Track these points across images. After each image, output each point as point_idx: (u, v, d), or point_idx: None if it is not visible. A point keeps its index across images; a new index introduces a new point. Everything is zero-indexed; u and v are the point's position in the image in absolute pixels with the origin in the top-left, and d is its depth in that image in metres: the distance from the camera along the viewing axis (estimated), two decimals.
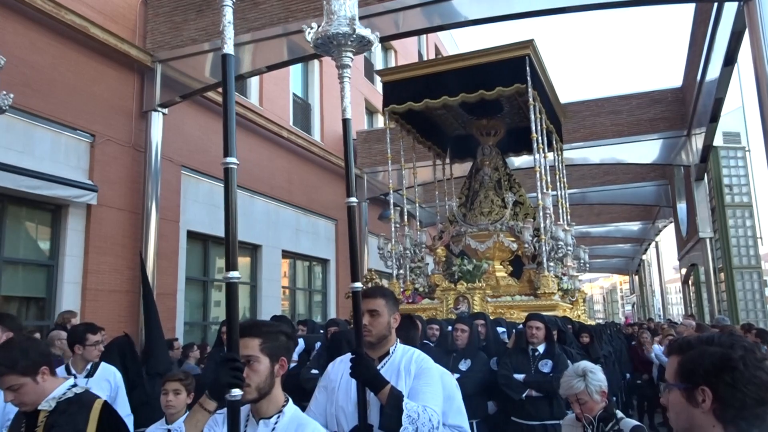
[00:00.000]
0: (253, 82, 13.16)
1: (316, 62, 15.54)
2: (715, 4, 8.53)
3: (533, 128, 8.68)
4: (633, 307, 43.61)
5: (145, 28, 9.93)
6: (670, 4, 7.93)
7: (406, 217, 10.27)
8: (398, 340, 2.65)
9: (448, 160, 12.27)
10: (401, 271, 9.78)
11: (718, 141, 12.77)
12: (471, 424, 4.71)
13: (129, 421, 4.13)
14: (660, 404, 8.86)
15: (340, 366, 2.55)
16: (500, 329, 6.61)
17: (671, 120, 13.94)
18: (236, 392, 1.80)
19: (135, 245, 9.34)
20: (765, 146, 6.70)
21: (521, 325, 5.65)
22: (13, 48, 7.79)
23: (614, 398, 7.58)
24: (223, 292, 12.26)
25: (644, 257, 31.71)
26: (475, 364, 5.25)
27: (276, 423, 1.99)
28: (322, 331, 6.33)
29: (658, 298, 32.11)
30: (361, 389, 2.35)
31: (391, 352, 2.57)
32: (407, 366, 2.50)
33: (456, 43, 27.27)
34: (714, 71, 9.96)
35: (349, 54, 2.57)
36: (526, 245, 8.91)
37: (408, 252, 9.91)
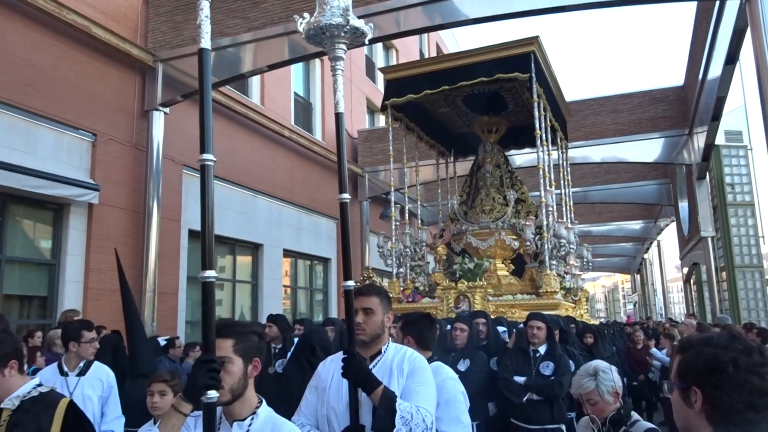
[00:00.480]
0: (255, 81, 13.17)
1: (317, 61, 15.55)
2: (717, 3, 8.52)
3: (536, 124, 8.61)
4: (635, 306, 43.59)
5: (147, 28, 9.95)
6: (672, 3, 7.92)
7: (407, 215, 10.17)
8: (390, 338, 2.59)
9: (451, 159, 12.22)
10: (401, 270, 9.71)
11: (719, 139, 12.76)
12: (471, 426, 4.68)
13: (120, 421, 4.08)
14: (658, 404, 8.85)
15: (331, 365, 2.49)
16: (501, 329, 6.45)
17: (673, 118, 13.93)
18: (212, 394, 1.76)
19: (136, 244, 9.37)
20: (767, 145, 6.69)
21: (522, 325, 5.52)
22: (15, 48, 7.82)
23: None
24: (225, 291, 12.38)
25: (646, 256, 31.69)
26: (474, 364, 5.11)
27: (250, 425, 1.94)
28: None
29: (659, 297, 32.11)
30: (353, 389, 2.29)
31: (383, 351, 2.50)
32: (400, 365, 2.43)
33: (457, 41, 27.24)
34: (716, 70, 9.95)
35: (342, 46, 2.48)
36: (528, 243, 8.80)
37: (408, 250, 9.83)
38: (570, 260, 9.71)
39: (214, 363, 1.78)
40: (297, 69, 15.16)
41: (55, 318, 8.03)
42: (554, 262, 8.67)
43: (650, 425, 2.86)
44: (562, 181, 10.94)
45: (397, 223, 9.83)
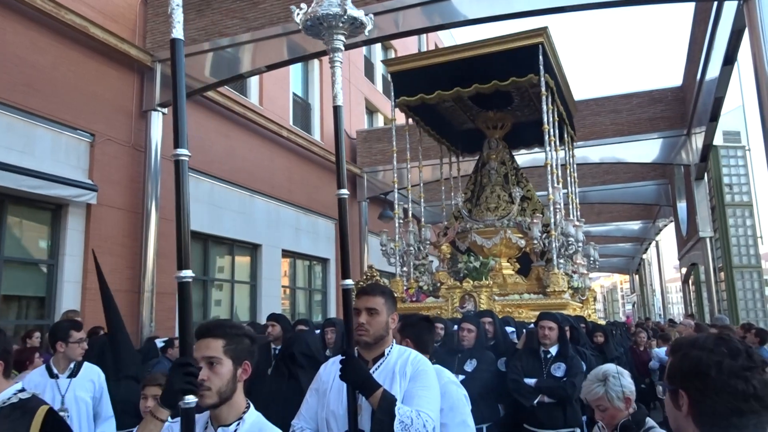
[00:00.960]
0: (253, 81, 13.16)
1: (316, 62, 15.55)
2: (715, 3, 8.53)
3: (545, 119, 8.40)
4: (633, 306, 43.60)
5: (145, 28, 9.93)
6: (670, 3, 7.92)
7: (410, 213, 10.00)
8: (394, 340, 2.51)
9: (455, 159, 12.08)
10: (405, 269, 9.55)
11: (718, 140, 12.78)
12: (481, 429, 4.42)
13: (111, 422, 4.00)
14: (652, 403, 8.81)
15: (332, 368, 2.40)
16: (509, 329, 6.32)
17: (671, 119, 13.94)
18: (190, 399, 1.68)
19: (135, 245, 9.36)
20: (765, 145, 6.69)
21: (532, 325, 5.34)
22: (13, 48, 7.81)
23: None
24: (224, 292, 12.37)
25: (644, 256, 31.70)
26: (482, 363, 4.93)
27: (236, 431, 1.87)
28: (318, 332, 6.15)
29: (658, 298, 32.10)
30: (352, 393, 2.23)
31: (386, 353, 2.41)
32: (402, 368, 2.34)
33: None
34: (714, 70, 9.96)
35: (341, 37, 2.42)
36: (535, 241, 8.58)
37: (412, 249, 9.62)
38: (577, 259, 9.55)
39: (191, 366, 1.71)
40: (296, 69, 15.16)
41: (53, 318, 8.01)
42: (562, 261, 8.48)
43: None
44: (569, 178, 10.76)
45: (401, 221, 9.73)
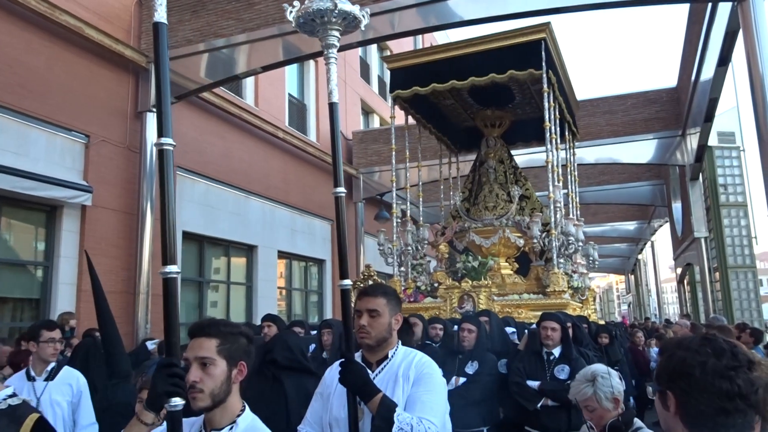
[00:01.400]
0: (249, 82, 13.14)
1: (311, 63, 15.53)
2: (709, 4, 8.56)
3: (547, 117, 8.26)
4: (629, 306, 43.71)
5: (140, 29, 9.91)
6: (665, 5, 7.95)
7: (408, 212, 9.87)
8: (399, 342, 2.42)
9: (453, 159, 12.01)
10: (402, 269, 9.45)
11: (712, 141, 12.83)
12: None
13: (94, 428, 3.89)
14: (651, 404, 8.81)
15: (336, 371, 2.32)
16: (509, 329, 6.20)
17: (666, 120, 13.98)
18: (176, 401, 1.60)
19: (130, 246, 9.32)
20: (759, 146, 6.73)
21: (534, 325, 5.20)
22: (7, 49, 7.78)
23: (632, 402, 6.98)
24: (220, 293, 12.33)
25: (640, 257, 31.80)
26: (484, 366, 4.80)
27: None
28: (315, 332, 6.02)
29: (654, 298, 32.22)
30: (352, 397, 2.16)
31: (390, 355, 2.33)
32: (406, 371, 2.26)
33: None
34: (708, 71, 10.00)
35: (335, 33, 2.38)
36: (535, 241, 8.46)
37: (410, 248, 9.49)
38: (577, 259, 9.46)
39: (176, 367, 1.63)
40: (291, 70, 15.15)
41: None
42: (561, 261, 8.39)
43: None
44: (569, 177, 10.67)
45: (398, 220, 9.67)
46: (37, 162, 8.02)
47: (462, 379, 4.74)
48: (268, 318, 5.68)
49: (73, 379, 3.89)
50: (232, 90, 12.35)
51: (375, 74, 20.12)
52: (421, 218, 10.41)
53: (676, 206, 16.67)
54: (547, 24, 8.10)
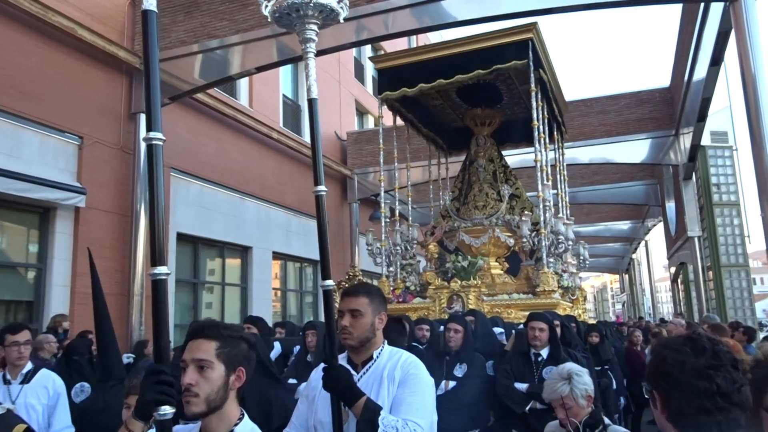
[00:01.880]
0: (243, 83, 13.12)
1: None
2: (702, 4, 8.61)
3: (534, 116, 8.28)
4: (623, 305, 43.86)
5: (133, 30, 9.88)
6: (657, 5, 7.99)
7: (397, 212, 9.81)
8: (385, 342, 2.37)
9: (443, 159, 12.02)
10: (391, 269, 9.39)
11: (705, 140, 12.88)
12: None
13: None
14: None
15: (320, 374, 2.27)
16: (497, 330, 6.10)
17: (659, 120, 14.05)
18: (166, 410, 1.53)
19: (124, 248, 9.29)
20: (752, 145, 6.76)
21: (521, 325, 5.14)
22: None
23: (623, 402, 7.06)
24: (214, 294, 12.29)
25: (634, 256, 31.92)
26: (473, 368, 4.70)
27: None
28: (301, 334, 5.88)
29: (648, 297, 32.31)
30: (336, 401, 2.12)
31: (375, 356, 2.27)
32: (391, 372, 2.19)
33: None
34: (701, 71, 10.04)
35: (313, 27, 2.33)
36: (525, 240, 8.41)
37: (399, 248, 9.42)
38: (567, 258, 9.44)
39: (164, 374, 1.55)
40: (286, 71, 15.13)
41: (42, 323, 7.94)
42: (551, 260, 8.37)
43: (624, 429, 2.86)
44: (558, 176, 10.68)
45: (387, 221, 9.63)
46: (30, 163, 7.98)
47: (452, 383, 4.67)
48: (249, 320, 5.63)
49: (49, 382, 3.84)
50: (227, 91, 12.32)
51: (369, 75, 20.10)
52: (410, 218, 10.40)
53: (670, 206, 16.73)
54: (534, 24, 8.12)
